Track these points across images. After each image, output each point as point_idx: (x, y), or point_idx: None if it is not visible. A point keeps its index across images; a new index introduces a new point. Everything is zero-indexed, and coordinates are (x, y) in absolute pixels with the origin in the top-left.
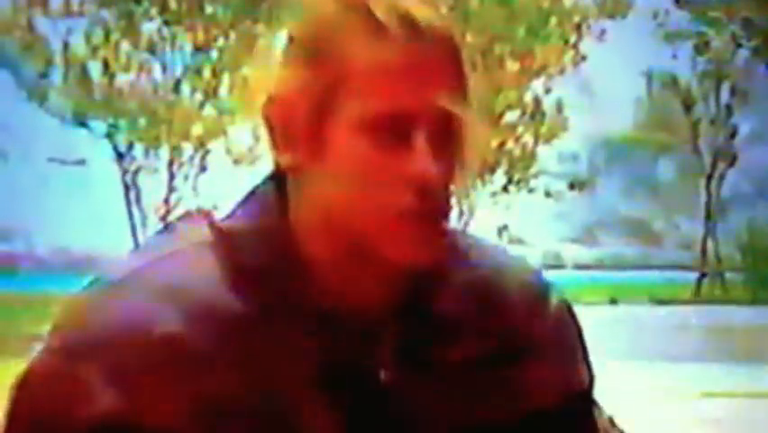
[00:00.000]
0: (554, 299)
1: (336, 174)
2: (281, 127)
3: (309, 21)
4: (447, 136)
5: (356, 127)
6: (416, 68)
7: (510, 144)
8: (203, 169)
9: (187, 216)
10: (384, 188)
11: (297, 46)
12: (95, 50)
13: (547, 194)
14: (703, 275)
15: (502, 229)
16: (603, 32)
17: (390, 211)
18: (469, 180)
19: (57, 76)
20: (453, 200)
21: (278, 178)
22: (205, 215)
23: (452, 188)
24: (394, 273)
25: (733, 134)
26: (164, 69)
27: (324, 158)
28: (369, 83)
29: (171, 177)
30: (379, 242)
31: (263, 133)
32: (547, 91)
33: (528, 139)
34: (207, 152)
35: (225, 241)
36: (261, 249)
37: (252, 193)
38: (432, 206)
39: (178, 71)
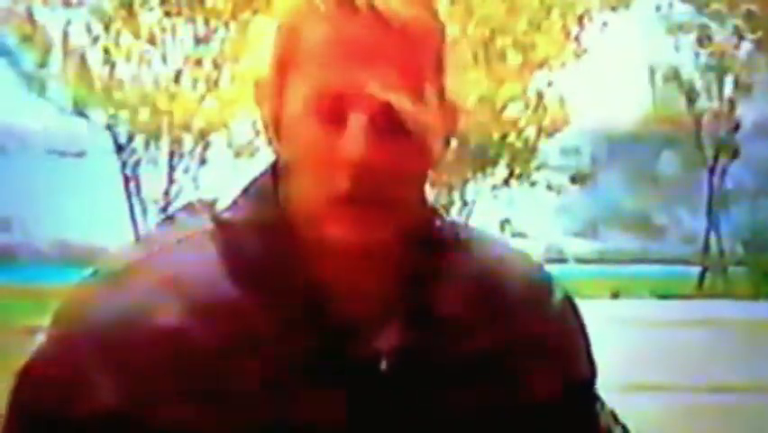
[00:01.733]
0: (557, 293)
1: (289, 156)
2: (262, 111)
3: (284, 6)
4: (393, 122)
5: (300, 109)
6: (348, 50)
7: (512, 137)
8: (203, 161)
9: (189, 207)
10: (322, 170)
11: (275, 32)
12: (95, 40)
13: (549, 187)
14: (705, 269)
15: (504, 223)
16: (605, 24)
17: (329, 193)
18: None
19: (56, 66)
20: (456, 191)
21: (277, 167)
22: (207, 206)
23: (417, 177)
24: (388, 259)
25: (736, 128)
26: (164, 60)
27: (282, 139)
28: (308, 64)
29: (171, 169)
30: (320, 223)
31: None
32: (549, 84)
33: (530, 132)
34: (208, 144)
35: (225, 232)
36: (260, 240)
37: (253, 183)
38: (368, 189)
39: (179, 63)
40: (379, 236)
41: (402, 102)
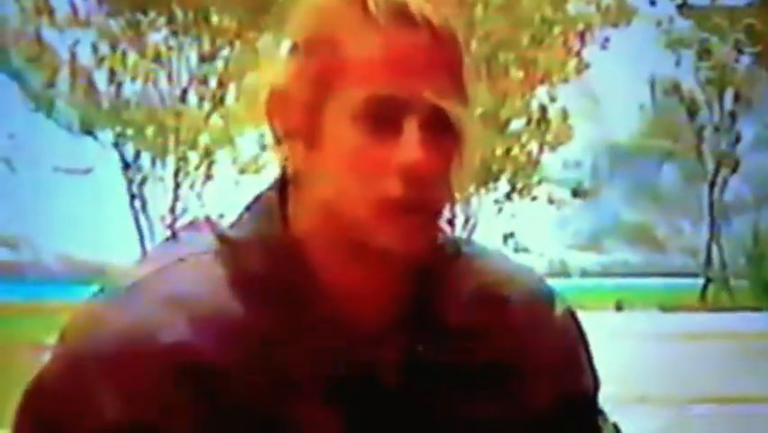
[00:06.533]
0: (558, 307)
1: (331, 163)
2: (281, 120)
3: (307, 13)
4: (442, 129)
5: (348, 116)
6: (403, 58)
7: (515, 152)
8: (209, 178)
9: (193, 224)
10: (374, 176)
11: (296, 41)
12: (101, 60)
13: (551, 201)
14: (708, 281)
15: (508, 237)
16: (607, 39)
17: (380, 199)
18: (469, 179)
19: (64, 85)
20: (458, 206)
21: (282, 183)
22: (210, 223)
23: (451, 182)
24: (394, 273)
25: (736, 141)
26: (170, 78)
27: (320, 148)
28: (359, 72)
29: (177, 186)
30: (371, 230)
31: (269, 142)
32: (552, 99)
33: (533, 146)
34: (213, 161)
35: (229, 249)
36: (265, 257)
37: (257, 199)
38: (421, 195)
39: (185, 81)
40: (427, 242)
41: (454, 107)
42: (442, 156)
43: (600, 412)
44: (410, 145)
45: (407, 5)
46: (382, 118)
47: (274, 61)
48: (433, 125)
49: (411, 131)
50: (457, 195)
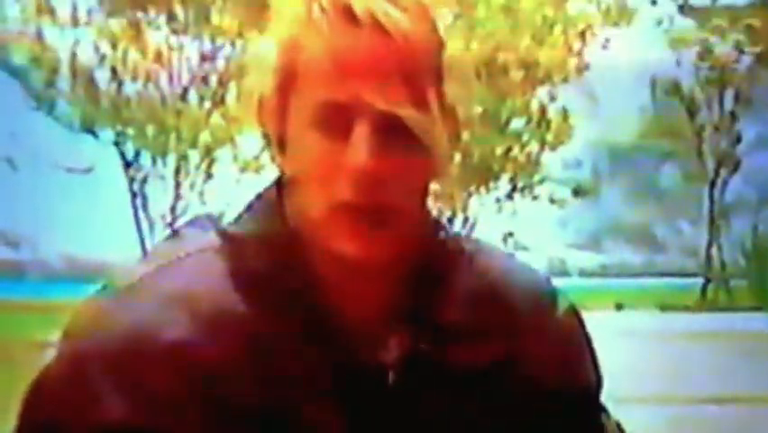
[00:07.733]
0: (562, 304)
1: (295, 168)
2: (265, 126)
3: (278, 19)
4: (399, 133)
5: (304, 121)
6: (346, 62)
7: (516, 151)
8: (209, 176)
9: (195, 221)
10: (328, 180)
11: (276, 49)
12: (102, 59)
13: (552, 201)
14: (708, 281)
15: (507, 236)
16: (607, 39)
17: (333, 204)
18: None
19: (64, 84)
20: (458, 205)
21: (281, 182)
22: (212, 220)
23: (416, 186)
24: (393, 271)
25: (737, 141)
26: (171, 77)
27: (287, 152)
28: (310, 77)
29: (178, 184)
30: (324, 234)
31: None
32: (552, 98)
33: (533, 146)
34: (214, 159)
35: (230, 246)
36: (265, 254)
37: (258, 197)
38: (373, 199)
39: (185, 80)
40: (382, 246)
41: (407, 111)
42: (397, 161)
43: (604, 409)
44: (357, 150)
45: (351, 5)
46: (333, 123)
47: (264, 66)
48: (387, 130)
49: (360, 135)
50: (455, 196)
